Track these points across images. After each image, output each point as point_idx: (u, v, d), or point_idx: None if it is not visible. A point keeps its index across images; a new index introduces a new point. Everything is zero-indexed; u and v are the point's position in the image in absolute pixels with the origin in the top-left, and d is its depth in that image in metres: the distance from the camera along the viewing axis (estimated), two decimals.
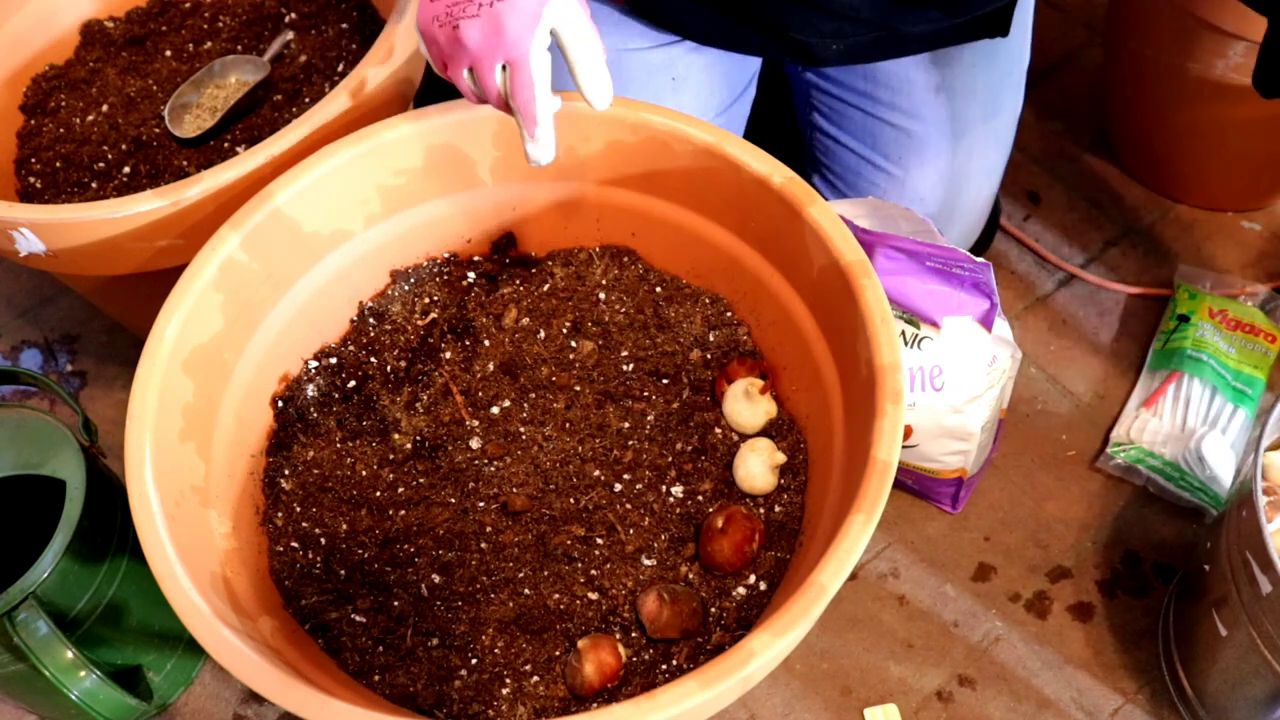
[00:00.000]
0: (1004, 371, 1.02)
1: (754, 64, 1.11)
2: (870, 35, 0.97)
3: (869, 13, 0.93)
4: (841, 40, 0.96)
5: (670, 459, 0.87)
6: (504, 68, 0.75)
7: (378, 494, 0.87)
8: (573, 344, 0.93)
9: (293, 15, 1.20)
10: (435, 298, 0.96)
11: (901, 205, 1.01)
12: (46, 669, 0.86)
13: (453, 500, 0.86)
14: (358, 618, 0.81)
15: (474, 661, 0.79)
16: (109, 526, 0.95)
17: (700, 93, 1.05)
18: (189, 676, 1.07)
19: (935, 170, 1.10)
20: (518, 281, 0.97)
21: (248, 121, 1.12)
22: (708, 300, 0.95)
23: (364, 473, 0.88)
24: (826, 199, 0.93)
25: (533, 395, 0.91)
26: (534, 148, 0.78)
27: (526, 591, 0.81)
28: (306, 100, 1.11)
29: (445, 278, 0.97)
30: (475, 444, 0.89)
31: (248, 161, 0.91)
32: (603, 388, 0.91)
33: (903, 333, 0.99)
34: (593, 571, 0.82)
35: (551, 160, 0.79)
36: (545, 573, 0.82)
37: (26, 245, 0.95)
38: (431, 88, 1.05)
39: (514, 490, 0.86)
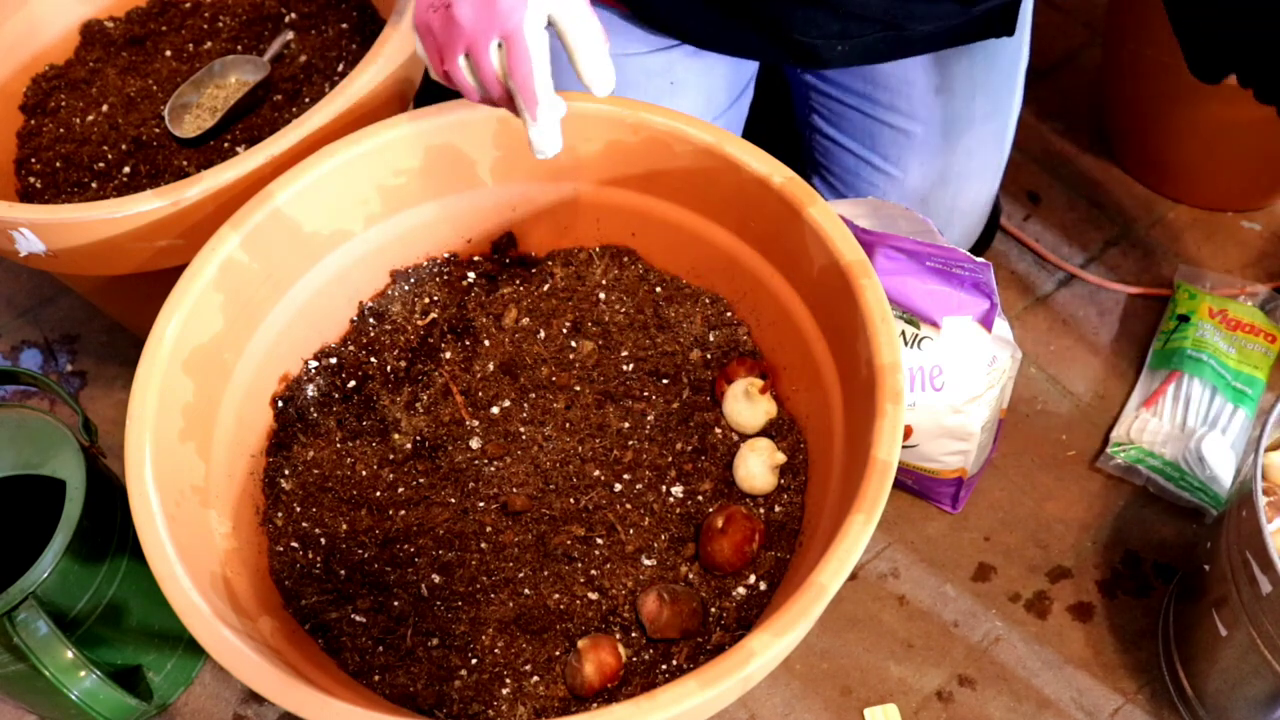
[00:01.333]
0: (1004, 371, 1.02)
1: (752, 67, 1.11)
2: (875, 35, 0.96)
3: (877, 9, 0.92)
4: (846, 41, 0.96)
5: (670, 459, 0.87)
6: (500, 46, 0.74)
7: (378, 494, 0.87)
8: (573, 344, 0.93)
9: (293, 15, 1.20)
10: (435, 298, 0.96)
11: (901, 206, 1.01)
12: (46, 669, 0.86)
13: (453, 500, 0.86)
14: (358, 618, 0.81)
15: (474, 661, 0.79)
16: (109, 526, 0.95)
17: (698, 97, 1.05)
18: (189, 676, 1.07)
19: (935, 171, 1.10)
20: (518, 281, 0.97)
21: (248, 121, 1.12)
22: (708, 300, 0.95)
23: (364, 473, 0.88)
24: (826, 199, 0.93)
25: (533, 395, 0.91)
26: (537, 134, 0.75)
27: (526, 591, 0.81)
28: (306, 100, 1.12)
29: (445, 278, 0.97)
30: (475, 444, 0.89)
31: (248, 161, 0.91)
32: (603, 388, 0.91)
33: (903, 333, 0.99)
34: (593, 571, 0.82)
35: (558, 151, 0.76)
36: (545, 573, 0.82)
37: (26, 245, 0.95)
38: (432, 88, 1.05)
39: (514, 490, 0.86)
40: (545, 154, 0.76)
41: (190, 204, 0.91)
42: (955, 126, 1.08)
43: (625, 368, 0.92)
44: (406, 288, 0.96)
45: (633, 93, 1.02)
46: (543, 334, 0.94)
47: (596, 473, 0.87)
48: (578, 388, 0.91)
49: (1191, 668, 0.99)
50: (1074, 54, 1.53)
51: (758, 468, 0.85)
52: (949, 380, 0.98)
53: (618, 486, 0.86)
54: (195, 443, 0.82)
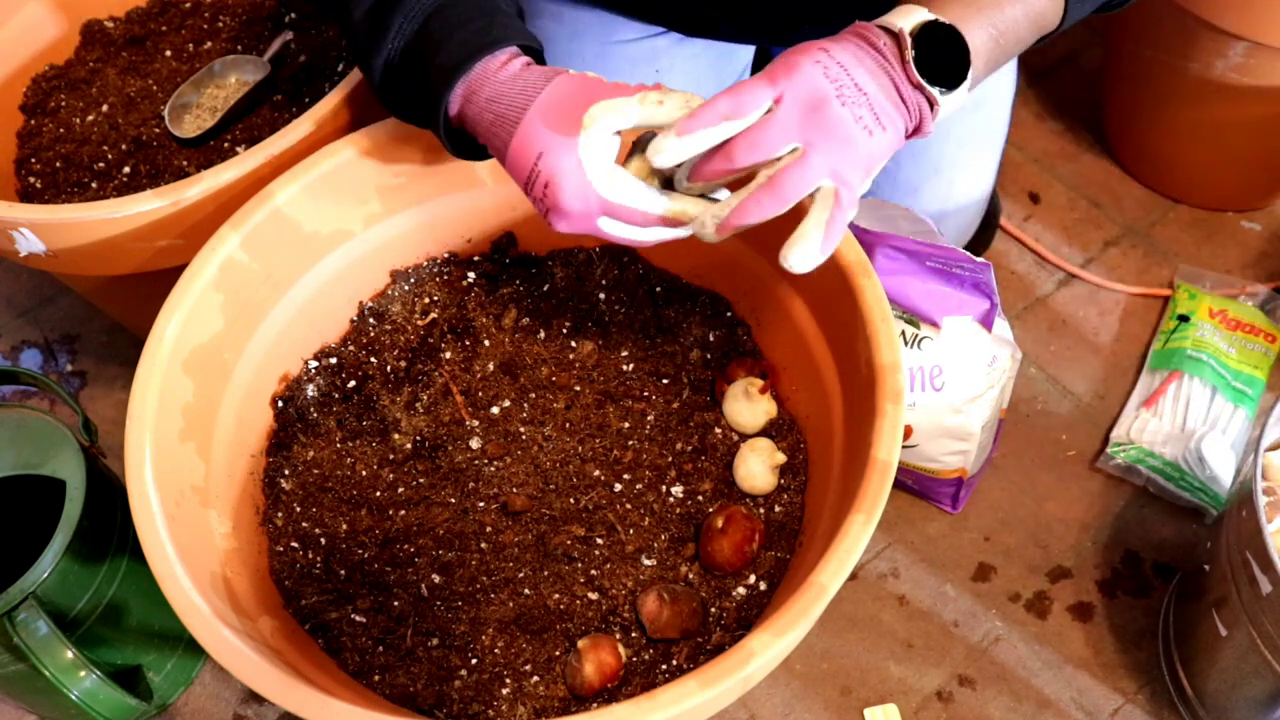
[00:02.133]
0: (1004, 371, 1.02)
1: (744, 55, 1.09)
2: None
3: None
4: None
5: (670, 459, 0.87)
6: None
7: (378, 494, 0.87)
8: (573, 344, 0.93)
9: (293, 15, 1.20)
10: (435, 298, 0.96)
11: (895, 199, 1.01)
12: (46, 669, 0.86)
13: (453, 500, 0.86)
14: (358, 618, 0.81)
15: (474, 661, 0.79)
16: (109, 526, 0.95)
17: (686, 85, 1.04)
18: (189, 676, 1.07)
19: (926, 160, 1.08)
20: (518, 281, 0.97)
21: (248, 121, 1.12)
22: (707, 300, 0.95)
23: (364, 473, 0.88)
24: None
25: (533, 395, 0.91)
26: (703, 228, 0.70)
27: (526, 591, 0.81)
28: (306, 100, 1.11)
29: (445, 278, 0.97)
30: (475, 444, 0.89)
31: (248, 161, 0.91)
32: (603, 388, 0.91)
33: (903, 333, 0.99)
34: (593, 571, 0.82)
35: (725, 230, 0.69)
36: (545, 573, 0.82)
37: (26, 245, 0.95)
38: None
39: (514, 490, 0.86)
40: (708, 238, 0.71)
41: (190, 204, 0.91)
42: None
43: (625, 368, 0.92)
44: (406, 288, 0.96)
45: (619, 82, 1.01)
46: (543, 334, 0.94)
47: (596, 473, 0.87)
48: (578, 388, 0.91)
49: (1191, 668, 0.99)
50: (1074, 54, 1.53)
51: (758, 468, 0.85)
52: (949, 380, 0.98)
53: (618, 486, 0.86)
54: (195, 443, 0.81)
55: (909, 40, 0.69)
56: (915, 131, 0.71)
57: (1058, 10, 0.75)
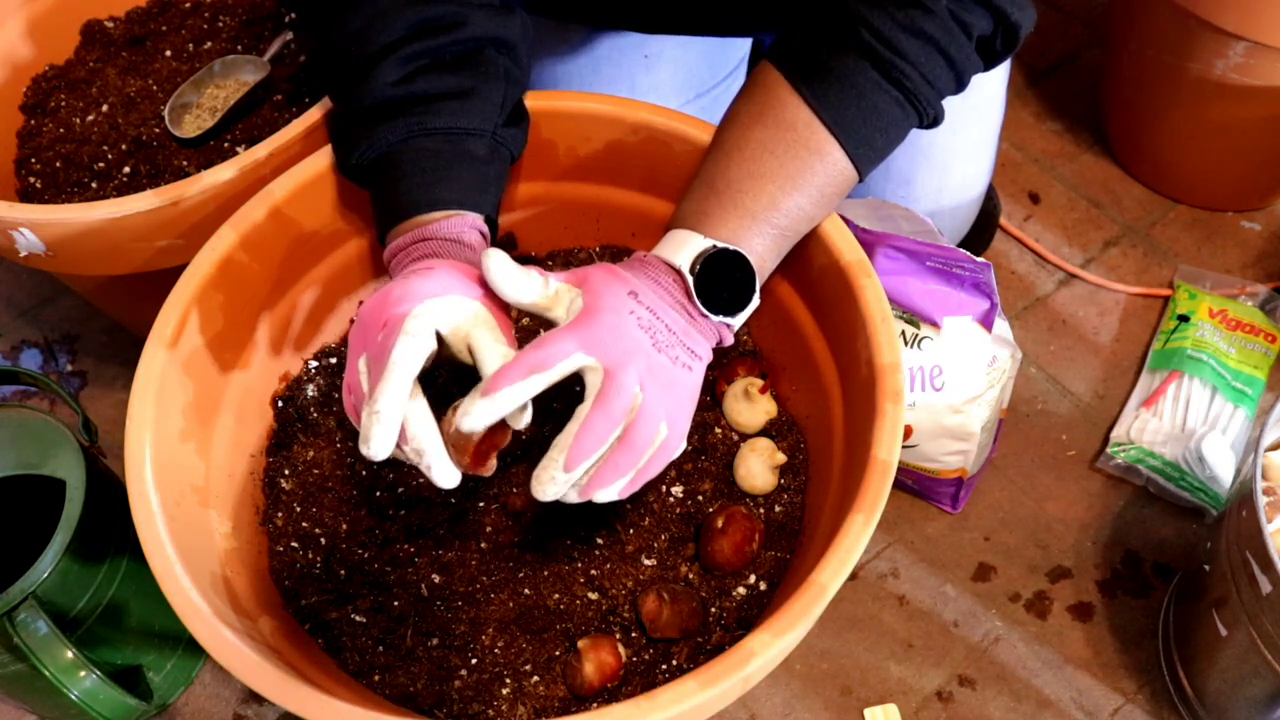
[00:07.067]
0: (1004, 371, 1.02)
1: (740, 47, 1.08)
2: None
3: None
4: None
5: None
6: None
7: (378, 494, 0.87)
8: None
9: (293, 15, 1.20)
10: None
11: (888, 190, 1.00)
12: (46, 669, 0.86)
13: (453, 500, 0.86)
14: (358, 618, 0.81)
15: (474, 661, 0.79)
16: (109, 526, 0.95)
17: (676, 71, 1.02)
18: (189, 676, 1.07)
19: (917, 149, 1.06)
20: None
21: (248, 121, 1.12)
22: None
23: (364, 473, 0.88)
24: None
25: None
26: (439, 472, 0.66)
27: (526, 591, 0.81)
28: (306, 100, 1.12)
29: None
30: None
31: (247, 161, 0.91)
32: None
33: (903, 333, 0.99)
34: (593, 571, 0.82)
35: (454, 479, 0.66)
36: (545, 572, 0.82)
37: (26, 245, 0.95)
38: None
39: (514, 490, 0.86)
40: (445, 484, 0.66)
41: (190, 204, 0.91)
42: None
43: None
44: None
45: (607, 69, 0.99)
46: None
47: None
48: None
49: (1191, 668, 0.99)
50: (1074, 54, 1.53)
51: (758, 468, 0.85)
52: (949, 380, 0.98)
53: None
54: (195, 443, 0.81)
55: (690, 281, 0.69)
56: (719, 343, 0.72)
57: (847, 174, 0.75)
